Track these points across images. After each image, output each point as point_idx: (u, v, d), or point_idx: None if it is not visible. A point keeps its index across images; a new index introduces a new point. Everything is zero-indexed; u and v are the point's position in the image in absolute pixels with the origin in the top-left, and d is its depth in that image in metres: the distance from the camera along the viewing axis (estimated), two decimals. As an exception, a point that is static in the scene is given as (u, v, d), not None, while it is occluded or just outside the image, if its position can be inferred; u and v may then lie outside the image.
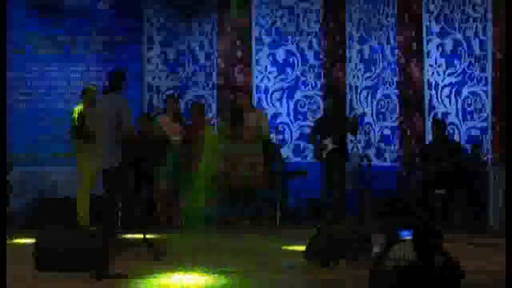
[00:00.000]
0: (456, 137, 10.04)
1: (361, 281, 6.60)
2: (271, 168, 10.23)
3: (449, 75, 10.30)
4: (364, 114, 10.97)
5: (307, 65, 12.29)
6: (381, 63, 11.44)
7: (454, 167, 9.49)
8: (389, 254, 4.06)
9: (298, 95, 12.29)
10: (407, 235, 4.01)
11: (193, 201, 9.85)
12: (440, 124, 9.78)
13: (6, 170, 8.64)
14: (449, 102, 10.29)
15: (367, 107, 11.62)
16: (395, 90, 11.06)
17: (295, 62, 12.29)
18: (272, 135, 10.95)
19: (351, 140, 11.27)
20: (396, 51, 10.95)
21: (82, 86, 9.88)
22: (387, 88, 11.33)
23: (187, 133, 10.09)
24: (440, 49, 10.40)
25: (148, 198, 9.96)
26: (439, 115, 10.34)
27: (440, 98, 10.39)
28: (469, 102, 10.04)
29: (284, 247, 8.17)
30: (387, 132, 11.38)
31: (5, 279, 5.33)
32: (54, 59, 11.52)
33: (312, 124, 11.04)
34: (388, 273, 3.91)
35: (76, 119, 9.00)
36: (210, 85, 12.08)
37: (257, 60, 12.18)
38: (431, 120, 10.22)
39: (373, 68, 11.58)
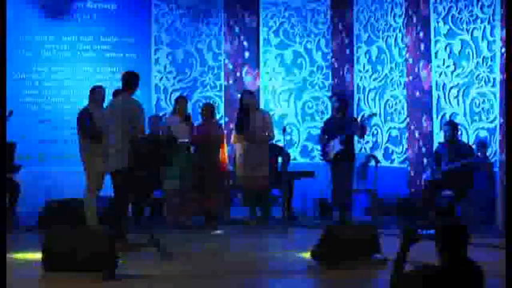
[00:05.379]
0: (464, 138, 10.00)
1: (369, 282, 6.60)
2: (277, 169, 10.21)
3: (457, 76, 10.27)
4: (374, 114, 10.91)
5: (315, 66, 12.29)
6: (388, 64, 11.43)
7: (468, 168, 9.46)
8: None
9: (305, 96, 12.30)
10: (427, 234, 3.93)
11: (202, 202, 9.84)
12: (456, 127, 9.70)
13: (5, 169, 8.61)
14: (457, 103, 10.25)
15: (375, 108, 11.61)
16: (403, 91, 11.04)
17: (303, 63, 12.29)
18: (280, 136, 10.93)
19: (359, 141, 11.26)
20: (404, 52, 10.93)
21: (90, 87, 9.88)
22: (395, 89, 11.31)
23: (199, 134, 10.06)
24: (448, 50, 10.37)
25: (156, 199, 9.96)
26: (447, 116, 10.31)
27: (448, 99, 10.36)
28: (477, 103, 10.01)
29: (291, 248, 8.15)
30: (395, 133, 11.36)
31: (5, 279, 5.32)
32: (62, 60, 11.54)
33: (320, 125, 11.02)
34: (414, 276, 3.81)
35: (83, 119, 8.98)
36: (218, 86, 12.08)
37: (265, 62, 12.18)
38: (444, 122, 10.15)
39: (380, 69, 11.57)
